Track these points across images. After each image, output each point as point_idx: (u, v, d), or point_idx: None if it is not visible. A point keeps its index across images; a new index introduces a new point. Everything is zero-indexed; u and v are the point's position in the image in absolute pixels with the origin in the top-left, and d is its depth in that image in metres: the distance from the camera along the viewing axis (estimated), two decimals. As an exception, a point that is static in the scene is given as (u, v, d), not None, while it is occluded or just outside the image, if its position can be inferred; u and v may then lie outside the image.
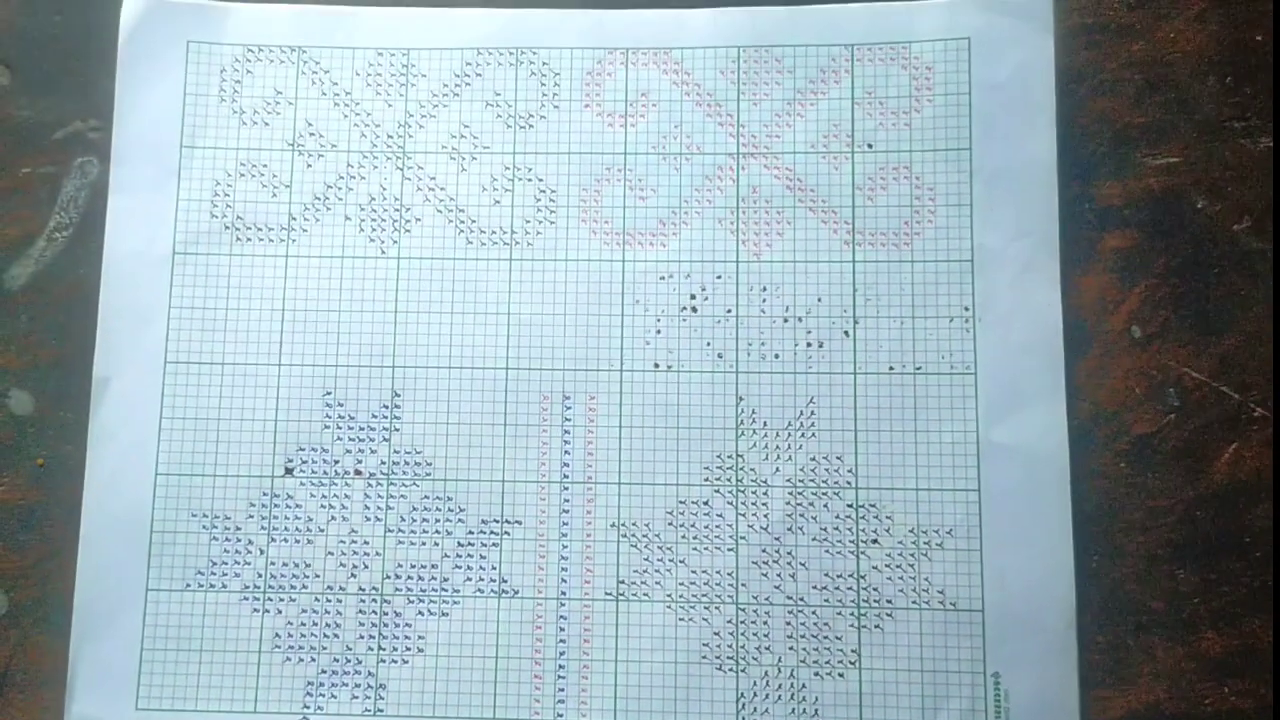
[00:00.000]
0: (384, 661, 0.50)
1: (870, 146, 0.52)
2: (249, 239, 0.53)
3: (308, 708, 0.50)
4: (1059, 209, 0.51)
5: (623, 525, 0.50)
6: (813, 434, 0.51)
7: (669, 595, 0.50)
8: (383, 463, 0.51)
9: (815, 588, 0.50)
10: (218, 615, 0.50)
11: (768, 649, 0.50)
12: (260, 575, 0.51)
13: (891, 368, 0.51)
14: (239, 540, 0.51)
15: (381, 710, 0.49)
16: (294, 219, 0.53)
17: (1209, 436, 0.51)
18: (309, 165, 0.53)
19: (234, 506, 0.51)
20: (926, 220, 0.52)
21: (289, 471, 0.51)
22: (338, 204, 0.53)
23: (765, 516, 0.50)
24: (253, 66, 0.54)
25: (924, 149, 0.52)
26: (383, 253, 0.53)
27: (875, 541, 0.50)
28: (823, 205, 0.52)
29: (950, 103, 0.52)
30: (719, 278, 0.52)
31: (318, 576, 0.51)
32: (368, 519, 0.51)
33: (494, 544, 0.51)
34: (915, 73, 0.52)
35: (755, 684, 0.49)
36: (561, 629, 0.50)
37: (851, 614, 0.50)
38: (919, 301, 0.51)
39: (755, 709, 0.49)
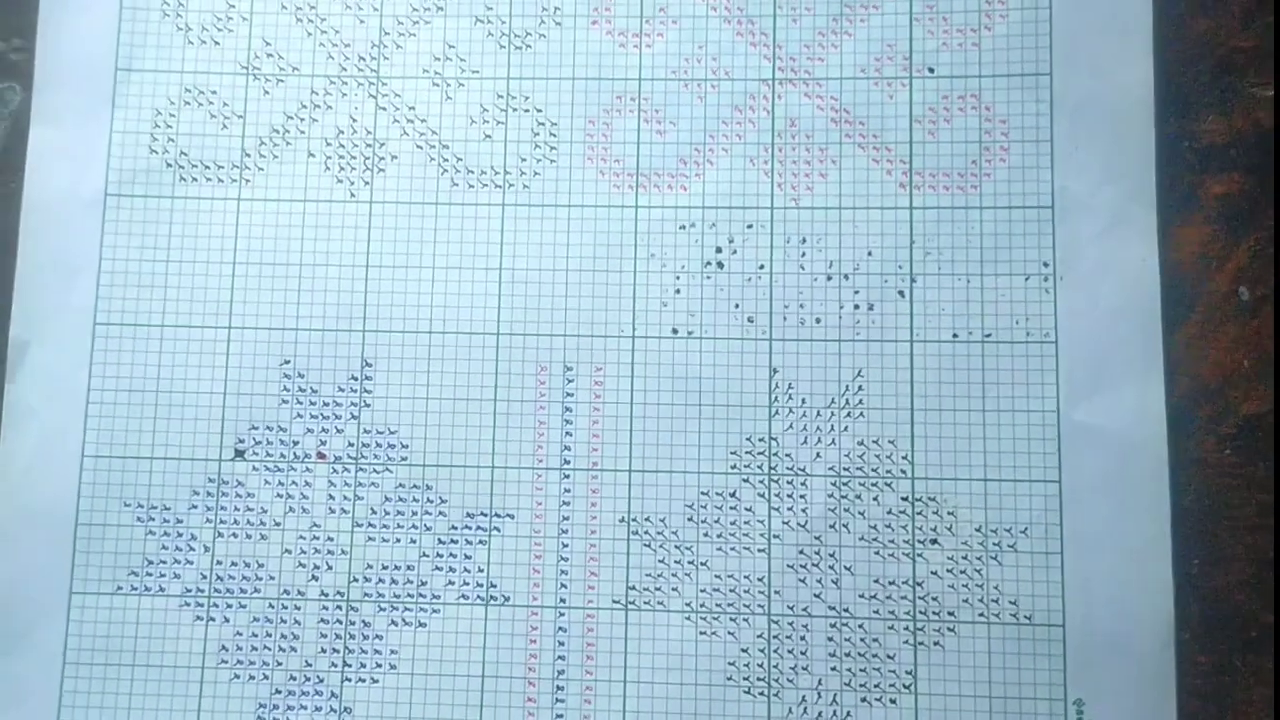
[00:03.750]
0: (349, 680, 0.47)
1: (931, 71, 0.49)
2: (195, 179, 0.50)
3: (258, 735, 0.47)
4: (1155, 148, 0.48)
5: (634, 521, 0.48)
6: (861, 414, 0.48)
7: (688, 604, 0.47)
8: (350, 444, 0.49)
9: (863, 596, 0.47)
10: (154, 624, 0.48)
11: (806, 669, 0.47)
12: (205, 577, 0.48)
13: (955, 335, 0.48)
14: (180, 535, 0.48)
15: (346, 739, 0.47)
16: (248, 155, 0.50)
17: (1332, 418, 0.48)
18: (266, 92, 0.51)
19: (174, 495, 0.49)
20: (998, 159, 0.49)
21: (239, 454, 0.49)
22: (299, 138, 0.50)
23: (804, 512, 0.48)
24: (201, -26, 0.51)
25: (995, 74, 0.49)
26: (352, 196, 0.50)
27: (935, 542, 0.47)
28: (874, 141, 0.49)
29: (1027, 20, 0.49)
30: (750, 227, 0.49)
31: (272, 579, 0.48)
32: (332, 511, 0.48)
33: (481, 542, 0.48)
34: (986, -17, 0.49)
35: (791, 711, 0.46)
36: (561, 643, 0.47)
37: (906, 628, 0.47)
38: (988, 256, 0.48)
39: (791, 741, 0.46)
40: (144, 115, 0.51)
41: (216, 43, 0.51)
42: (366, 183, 0.50)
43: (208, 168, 0.50)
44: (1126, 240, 0.48)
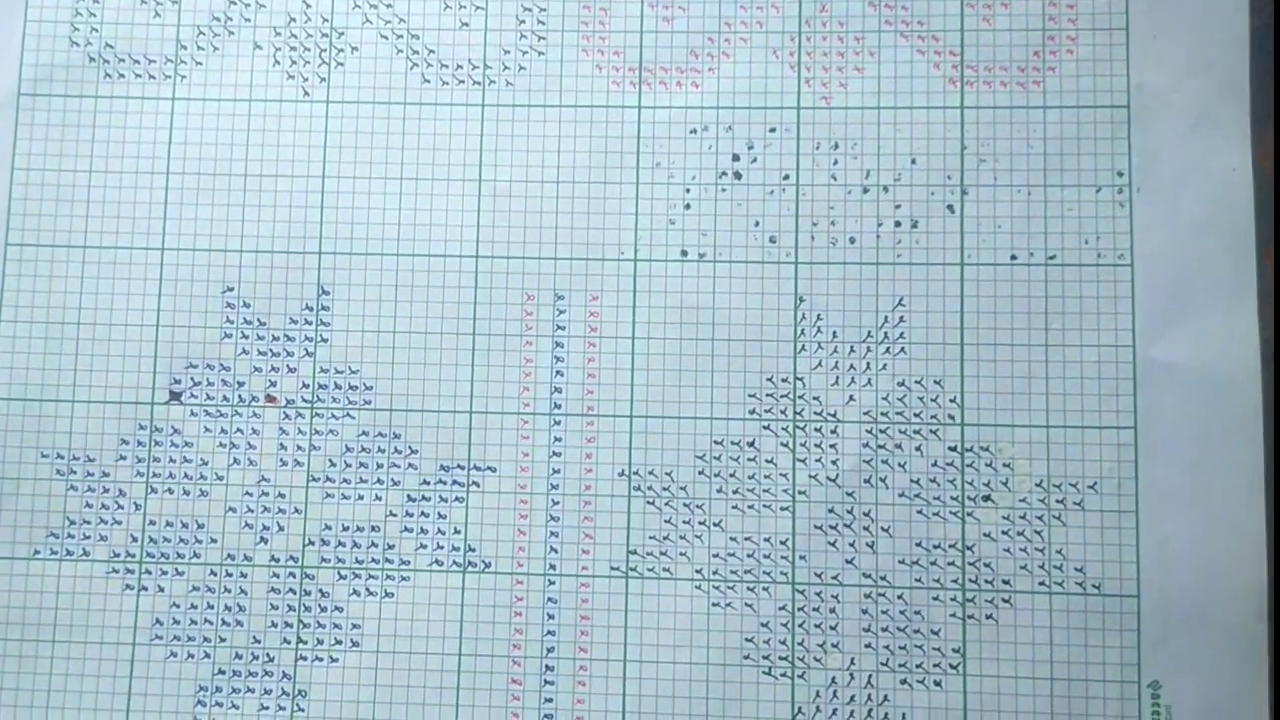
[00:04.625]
0: (304, 659, 0.45)
1: None
2: (122, 75, 0.48)
3: (199, 720, 0.46)
4: (1249, 36, 0.46)
5: (636, 475, 0.46)
6: (902, 350, 0.46)
7: (699, 571, 0.45)
8: (305, 386, 0.47)
9: (903, 563, 0.45)
10: (77, 593, 0.46)
11: (836, 647, 0.45)
12: (135, 539, 0.46)
13: (1014, 257, 0.46)
14: (106, 491, 0.46)
15: (301, 726, 0.46)
16: (184, 48, 0.48)
17: None
18: None
19: (99, 445, 0.47)
20: (1064, 50, 0.47)
21: (175, 397, 0.47)
22: (244, 26, 0.48)
23: (834, 464, 0.46)
24: None
25: None
26: (306, 95, 0.48)
27: (988, 499, 0.45)
28: (919, 28, 0.47)
29: (1100, -118, 0.47)
30: (772, 131, 0.47)
31: (214, 542, 0.46)
32: (284, 463, 0.47)
33: (458, 499, 0.46)
34: None
35: (818, 695, 0.45)
36: (550, 616, 0.45)
37: (954, 599, 0.45)
38: (1053, 165, 0.46)
39: (818, 730, 0.45)
40: (63, 1, 0.49)
41: (146, -87, 0.49)
42: (322, 79, 0.48)
43: (137, 62, 0.48)
44: (1214, 144, 0.46)
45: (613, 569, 0.45)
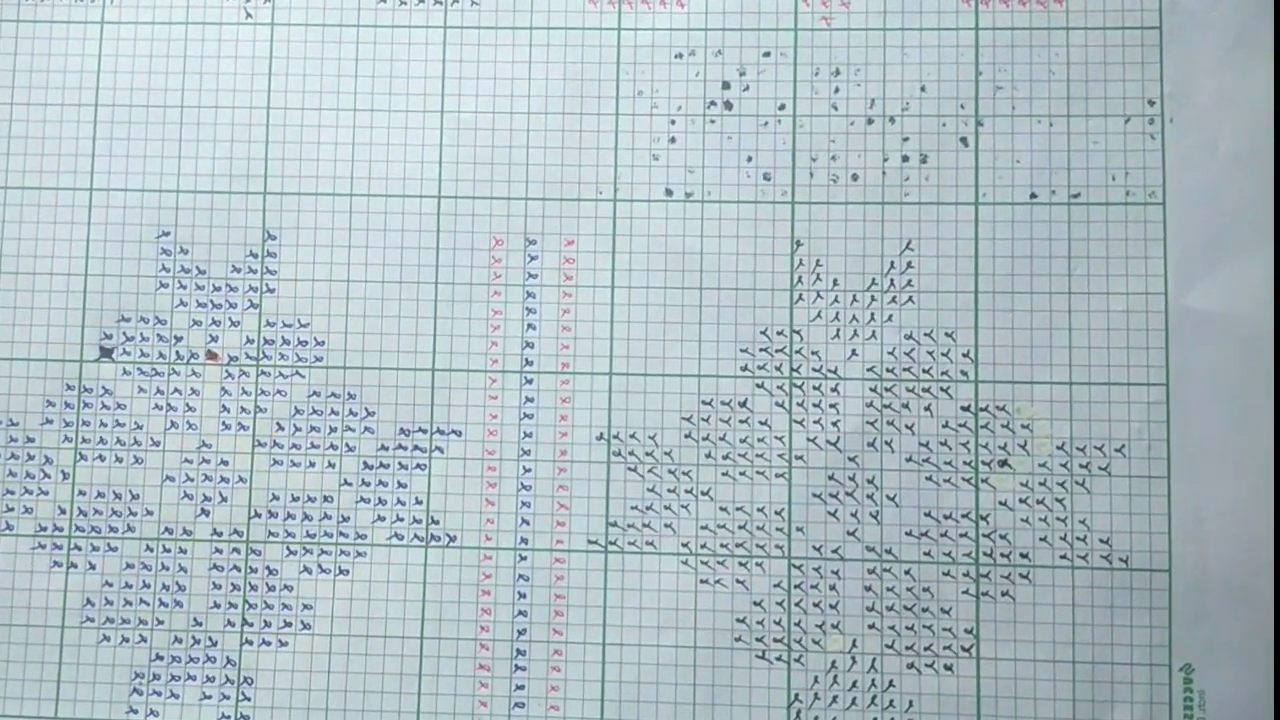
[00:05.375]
0: (250, 643, 0.44)
1: None
2: None
3: (134, 711, 0.44)
4: None
5: (616, 439, 0.45)
6: (910, 299, 0.44)
7: (685, 545, 0.44)
8: (250, 341, 0.45)
9: (911, 535, 0.44)
10: (0, 571, 0.45)
11: (836, 628, 0.44)
12: (63, 511, 0.45)
13: (1034, 195, 0.44)
14: (31, 459, 0.45)
15: (246, 716, 0.44)
16: None
17: None
18: None
19: (22, 407, 0.45)
20: None
21: (106, 354, 0.45)
22: None
23: (835, 426, 0.44)
24: None
25: None
26: (248, 16, 0.46)
27: (1004, 464, 0.44)
28: None
29: None
30: (766, 55, 0.45)
31: (150, 514, 0.45)
32: (226, 426, 0.45)
33: (419, 466, 0.45)
34: None
35: (817, 680, 0.43)
36: (522, 595, 0.44)
37: (967, 575, 0.43)
38: (1076, 93, 0.44)
39: (817, 718, 0.43)
40: None
41: None
42: None
43: None
44: (1255, 69, 0.44)
45: (590, 543, 0.44)
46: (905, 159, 0.44)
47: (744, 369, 0.44)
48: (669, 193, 0.44)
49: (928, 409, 0.43)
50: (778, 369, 0.44)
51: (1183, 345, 0.43)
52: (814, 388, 0.44)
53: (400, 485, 0.44)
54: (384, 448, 0.44)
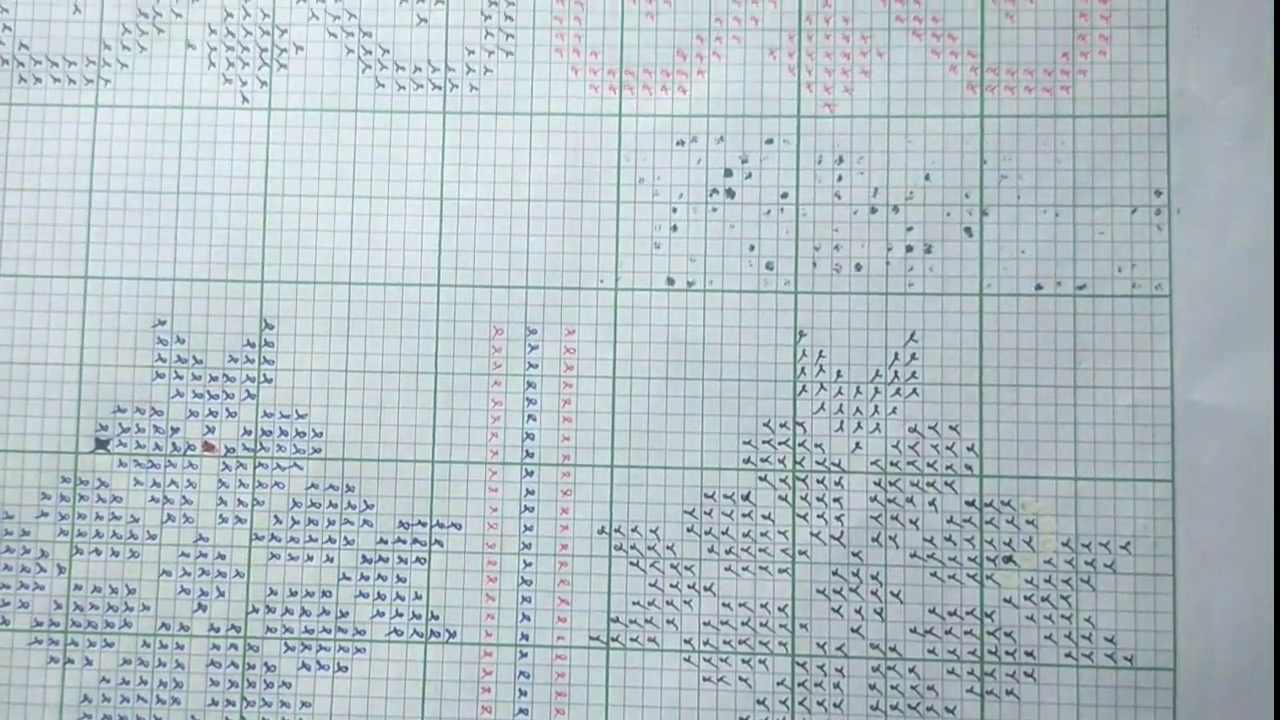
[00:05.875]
0: None
1: None
2: (38, 79, 0.46)
3: (132, 809, 0.44)
4: None
5: (618, 532, 0.44)
6: (914, 391, 0.44)
7: (688, 642, 0.44)
8: (247, 432, 0.45)
9: (915, 632, 0.43)
10: None
11: None
12: (59, 606, 0.45)
13: (1039, 287, 0.44)
14: (26, 552, 0.45)
15: (246, 815, 0.44)
16: (107, 48, 0.46)
17: None
18: None
19: (17, 500, 0.45)
20: (1097, 52, 0.45)
21: (101, 445, 0.45)
22: (174, 23, 0.46)
23: (839, 521, 0.44)
24: None
25: None
26: (245, 101, 0.46)
27: (1010, 561, 0.43)
28: (934, 25, 0.45)
29: None
30: (769, 142, 0.45)
31: (147, 609, 0.44)
32: (224, 520, 0.45)
33: (419, 560, 0.44)
34: None
35: None
36: (522, 692, 0.44)
37: (971, 673, 0.43)
38: (1083, 182, 0.44)
39: (821, 817, 0.43)
40: None
41: (61, -108, 0.47)
42: (264, 83, 0.46)
43: (54, 64, 0.46)
44: (1263, 160, 0.43)
45: (592, 639, 0.43)
46: (909, 248, 0.44)
47: (746, 461, 0.43)
48: (671, 281, 0.44)
49: (932, 504, 0.43)
50: (781, 462, 0.43)
51: (1189, 440, 0.42)
52: (817, 481, 0.43)
53: (400, 580, 0.43)
54: (383, 541, 0.44)
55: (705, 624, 0.43)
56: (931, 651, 0.42)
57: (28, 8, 0.45)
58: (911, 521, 0.43)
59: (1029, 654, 0.42)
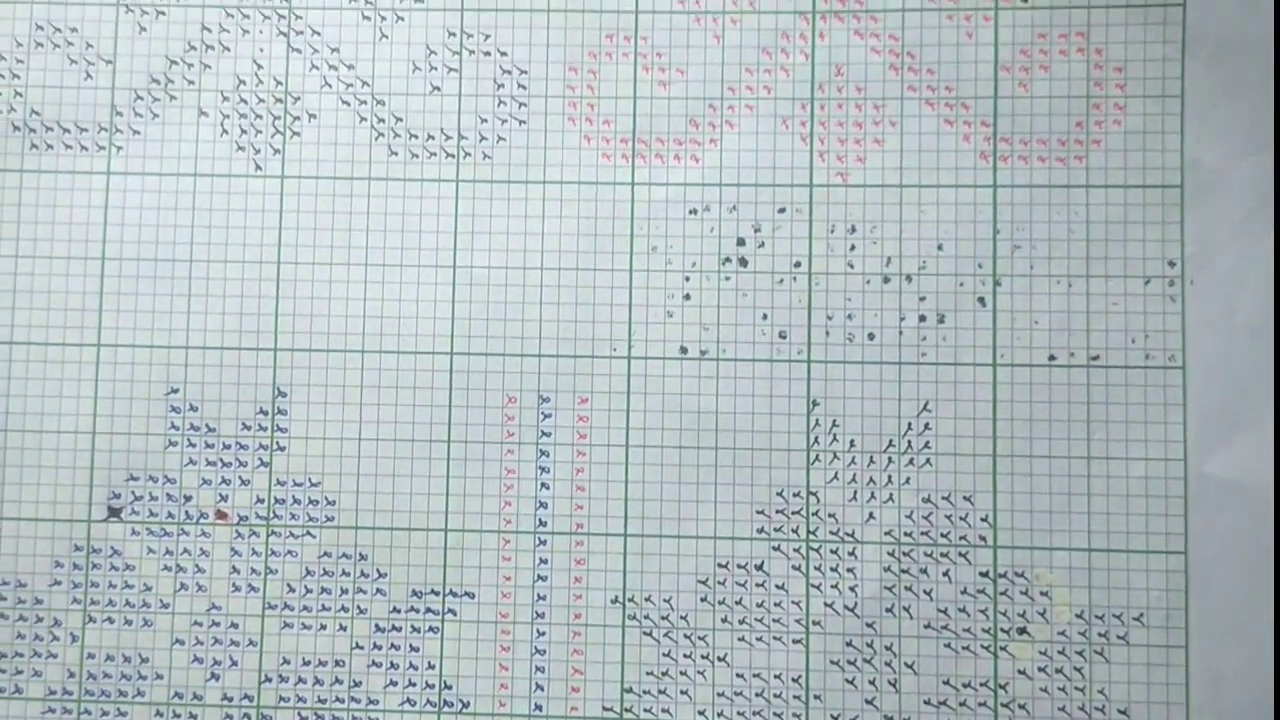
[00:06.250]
0: None
1: (1024, 0, 0.45)
2: (50, 146, 0.46)
3: None
4: None
5: (631, 602, 0.44)
6: (927, 461, 0.44)
7: (702, 712, 0.43)
8: (260, 500, 0.44)
9: (929, 703, 0.43)
10: None
11: None
12: (73, 675, 0.44)
13: (1053, 357, 0.44)
14: (40, 620, 0.44)
15: None
16: (119, 114, 0.46)
17: None
18: (142, 29, 0.46)
19: (31, 568, 0.45)
20: (1111, 121, 0.44)
21: (114, 513, 0.45)
22: (187, 90, 0.46)
23: (852, 591, 0.44)
24: None
25: (1108, 4, 0.45)
26: (258, 168, 0.46)
27: (1023, 632, 0.43)
28: (947, 95, 0.45)
29: (1153, -70, 0.45)
30: (782, 212, 0.45)
31: (160, 678, 0.44)
32: (236, 588, 0.44)
33: (431, 629, 0.44)
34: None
35: None
36: None
37: None
38: (1096, 253, 0.44)
39: None
40: None
41: (76, -41, 0.46)
42: (276, 150, 0.46)
43: (67, 130, 0.46)
44: (1268, 233, 0.43)
45: (606, 709, 0.43)
46: (922, 318, 0.43)
47: (760, 531, 0.43)
48: (684, 350, 0.44)
49: (946, 574, 0.43)
50: (794, 531, 0.43)
51: (1201, 512, 0.42)
52: (831, 551, 0.43)
53: (412, 649, 0.43)
54: (396, 610, 0.43)
55: (719, 694, 0.43)
56: (946, 723, 0.42)
57: (39, 74, 0.45)
58: (925, 592, 0.43)
59: (1043, 726, 0.42)
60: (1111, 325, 0.43)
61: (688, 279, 0.44)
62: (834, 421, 0.43)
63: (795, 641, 0.43)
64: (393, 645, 0.43)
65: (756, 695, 0.42)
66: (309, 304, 0.44)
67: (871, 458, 0.43)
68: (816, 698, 0.42)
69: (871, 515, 0.43)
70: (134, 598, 0.44)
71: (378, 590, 0.43)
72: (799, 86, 0.44)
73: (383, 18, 0.45)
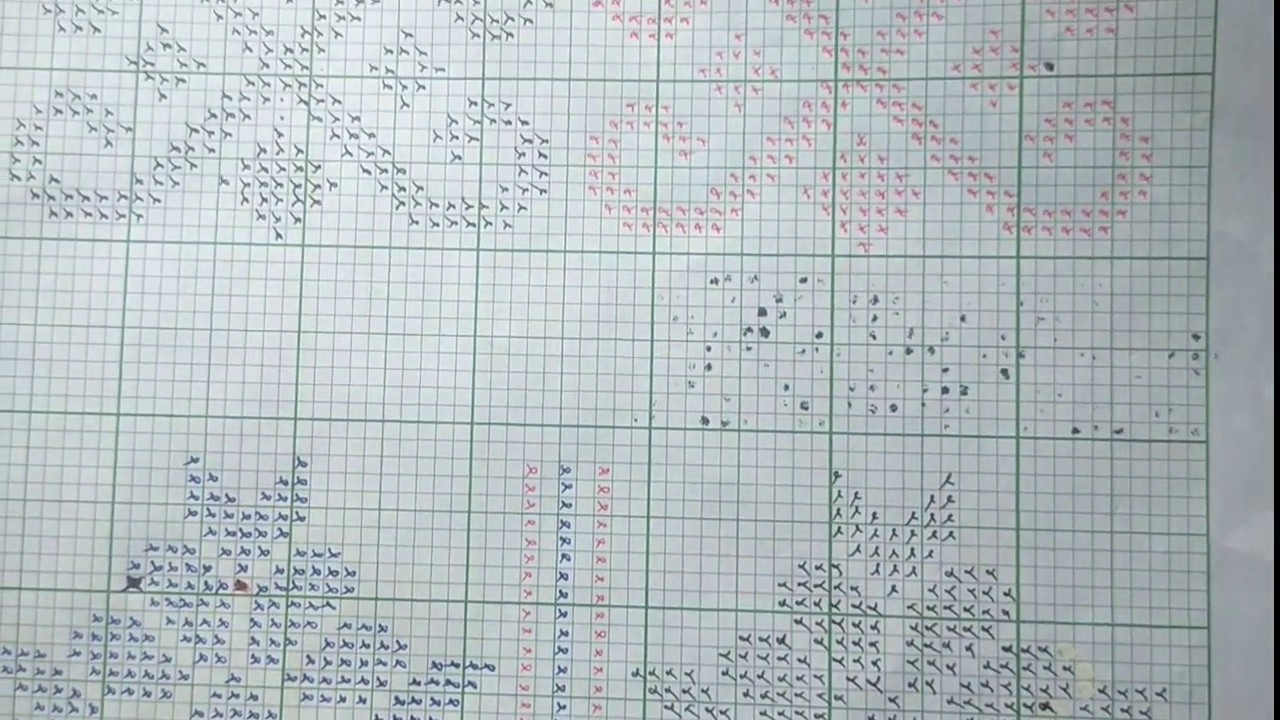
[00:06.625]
0: None
1: (1050, 68, 0.45)
2: (70, 214, 0.46)
3: None
4: None
5: (652, 675, 0.44)
6: (950, 535, 0.43)
7: None
8: (279, 571, 0.44)
9: None
10: None
11: None
12: None
13: (1076, 430, 0.43)
14: (58, 691, 0.44)
15: None
16: (139, 182, 0.46)
17: None
18: (162, 96, 0.46)
19: (49, 639, 0.44)
20: (1136, 192, 0.44)
21: (133, 584, 0.44)
22: (207, 158, 0.46)
23: (875, 665, 0.43)
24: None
25: (1136, 73, 0.44)
26: (278, 237, 0.46)
27: (1046, 707, 0.43)
28: (970, 165, 0.44)
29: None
30: (804, 281, 0.45)
31: None
32: (255, 660, 0.44)
33: (452, 701, 0.44)
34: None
35: None
36: None
37: None
38: (1120, 325, 0.44)
39: None
40: (2, 128, 0.46)
41: (96, 29, 0.46)
42: (297, 219, 0.45)
43: (86, 198, 0.46)
44: None
45: None
46: (945, 390, 0.43)
47: (782, 604, 0.43)
48: (705, 421, 0.43)
49: (969, 649, 0.42)
50: (816, 604, 0.43)
51: (1224, 588, 0.42)
52: (853, 625, 0.43)
53: (433, 721, 0.43)
54: (416, 682, 0.43)
55: (740, 770, 0.42)
56: (968, 800, 0.42)
57: (58, 141, 0.45)
58: (948, 666, 0.42)
59: (1066, 803, 0.42)
60: (1135, 398, 0.43)
61: (709, 349, 0.44)
62: (856, 493, 0.43)
63: (817, 716, 0.43)
64: (412, 718, 0.43)
65: (778, 770, 0.42)
66: (329, 373, 0.44)
67: (894, 530, 0.43)
68: (839, 773, 0.42)
69: (894, 588, 0.43)
70: (153, 669, 0.44)
71: (398, 662, 0.43)
72: (821, 156, 0.44)
73: (404, 86, 0.45)
